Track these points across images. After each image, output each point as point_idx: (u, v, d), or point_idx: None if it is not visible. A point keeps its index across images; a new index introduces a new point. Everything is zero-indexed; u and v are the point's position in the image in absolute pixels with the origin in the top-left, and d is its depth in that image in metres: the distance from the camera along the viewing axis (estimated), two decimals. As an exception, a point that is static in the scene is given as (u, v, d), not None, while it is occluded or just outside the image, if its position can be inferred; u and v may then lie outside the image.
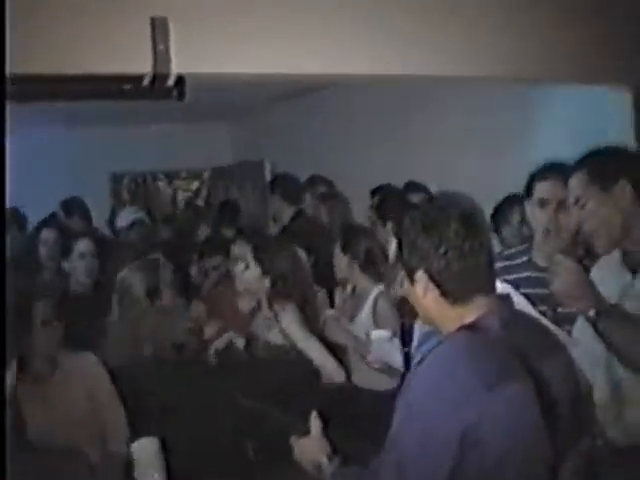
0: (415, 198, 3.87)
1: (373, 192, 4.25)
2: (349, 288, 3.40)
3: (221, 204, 5.92)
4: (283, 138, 6.37)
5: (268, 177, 6.37)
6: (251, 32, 2.57)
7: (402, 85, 4.01)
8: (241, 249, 3.12)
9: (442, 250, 1.56)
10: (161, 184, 7.63)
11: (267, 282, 2.88)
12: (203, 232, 5.09)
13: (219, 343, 3.03)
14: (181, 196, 7.67)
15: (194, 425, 2.45)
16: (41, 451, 2.22)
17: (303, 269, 3.10)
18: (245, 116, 6.89)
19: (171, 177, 7.63)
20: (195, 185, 7.75)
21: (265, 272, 2.90)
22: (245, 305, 3.11)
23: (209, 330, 3.16)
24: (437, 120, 4.72)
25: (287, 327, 2.81)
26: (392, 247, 1.65)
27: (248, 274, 2.95)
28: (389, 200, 3.83)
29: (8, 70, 1.93)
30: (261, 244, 3.07)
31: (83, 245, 3.72)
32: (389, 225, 3.50)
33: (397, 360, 3.09)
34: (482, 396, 1.42)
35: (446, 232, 1.57)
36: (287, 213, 4.56)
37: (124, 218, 4.94)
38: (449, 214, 1.61)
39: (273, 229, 4.94)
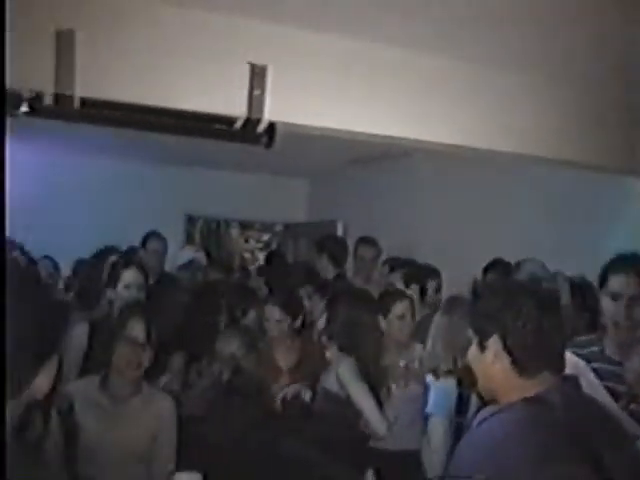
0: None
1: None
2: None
3: (269, 254, 6.08)
4: (358, 201, 6.40)
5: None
6: (344, 90, 2.63)
7: (482, 160, 4.00)
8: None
9: (520, 323, 1.58)
10: (234, 232, 7.74)
11: None
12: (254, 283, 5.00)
13: (288, 393, 3.13)
14: (251, 246, 7.74)
15: (240, 466, 2.46)
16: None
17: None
18: (324, 175, 6.97)
19: (244, 226, 7.74)
20: (266, 237, 7.83)
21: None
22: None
23: (283, 380, 3.23)
24: (512, 195, 4.75)
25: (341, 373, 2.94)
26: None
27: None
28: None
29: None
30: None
31: (129, 275, 3.41)
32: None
33: None
34: (527, 470, 1.38)
35: (527, 306, 1.60)
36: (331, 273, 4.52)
37: (182, 256, 5.06)
38: (532, 289, 1.68)
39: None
